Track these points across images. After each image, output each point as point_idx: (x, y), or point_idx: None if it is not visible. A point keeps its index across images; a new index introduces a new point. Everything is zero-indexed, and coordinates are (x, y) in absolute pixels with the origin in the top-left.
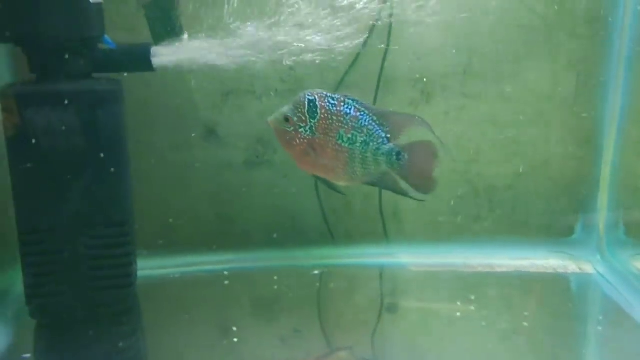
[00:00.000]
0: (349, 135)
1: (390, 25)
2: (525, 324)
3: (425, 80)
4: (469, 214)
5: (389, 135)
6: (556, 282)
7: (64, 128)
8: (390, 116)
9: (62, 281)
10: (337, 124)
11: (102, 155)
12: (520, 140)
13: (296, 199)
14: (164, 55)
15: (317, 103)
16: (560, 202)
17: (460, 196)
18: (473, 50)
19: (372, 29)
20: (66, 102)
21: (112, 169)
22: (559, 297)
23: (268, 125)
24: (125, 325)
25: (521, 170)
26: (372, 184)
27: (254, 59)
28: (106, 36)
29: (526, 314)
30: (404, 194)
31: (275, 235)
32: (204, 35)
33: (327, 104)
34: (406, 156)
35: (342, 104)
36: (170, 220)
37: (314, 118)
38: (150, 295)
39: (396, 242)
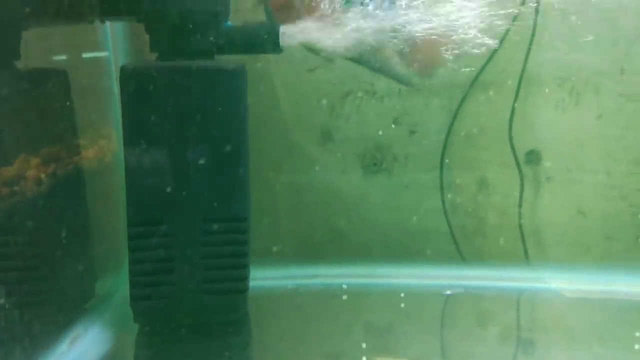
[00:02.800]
0: None
1: (536, 14)
2: None
3: (574, 78)
4: (626, 235)
5: None
6: None
7: (184, 109)
8: None
9: (171, 281)
10: None
11: (224, 141)
12: None
13: (419, 211)
14: (292, 35)
15: None
16: None
17: (615, 214)
18: (632, 43)
19: (514, 19)
20: (189, 80)
21: (234, 158)
22: None
23: None
24: (236, 337)
25: None
26: (368, 66)
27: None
28: (229, 22)
29: None
30: (402, 82)
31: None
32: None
33: None
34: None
35: None
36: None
37: None
38: (258, 307)
39: (539, 265)
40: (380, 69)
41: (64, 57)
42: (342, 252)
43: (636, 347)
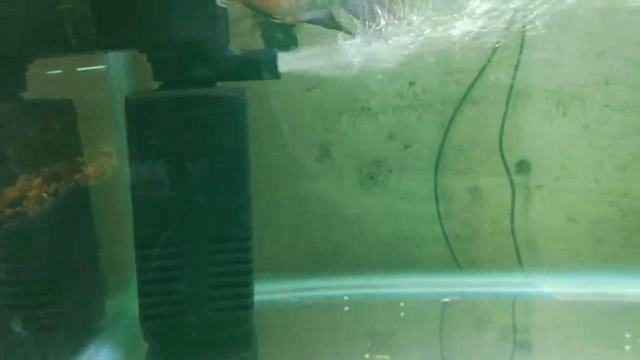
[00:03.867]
0: None
1: (523, 32)
2: None
3: (561, 91)
4: (615, 239)
5: None
6: None
7: (187, 136)
8: None
9: (179, 301)
10: None
11: (226, 165)
12: None
13: (415, 222)
14: (290, 61)
15: None
16: None
17: (604, 219)
18: (615, 56)
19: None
20: (192, 108)
21: (236, 180)
22: None
23: None
24: (243, 351)
25: None
26: (321, 23)
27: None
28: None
29: None
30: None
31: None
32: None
33: None
34: None
35: None
36: (282, 243)
37: None
38: (262, 320)
39: (532, 271)
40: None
41: (65, 77)
42: (342, 264)
43: (627, 347)
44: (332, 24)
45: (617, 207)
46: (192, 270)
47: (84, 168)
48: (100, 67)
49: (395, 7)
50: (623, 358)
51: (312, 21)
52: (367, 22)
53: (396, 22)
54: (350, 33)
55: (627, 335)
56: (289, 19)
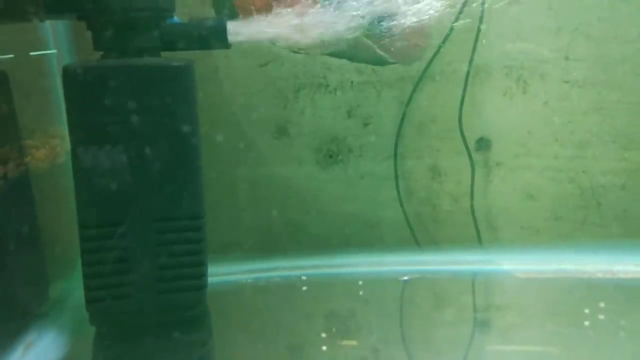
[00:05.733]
0: None
1: (482, 6)
2: None
3: (521, 67)
4: (573, 216)
5: None
6: None
7: (131, 108)
8: None
9: (126, 282)
10: None
11: (173, 139)
12: (632, 132)
13: (374, 201)
14: (240, 30)
15: None
16: None
17: (563, 196)
18: (575, 31)
19: (461, 10)
20: (135, 78)
21: (185, 156)
22: None
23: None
24: (196, 334)
25: (635, 167)
26: (345, 57)
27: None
28: (175, 17)
29: None
30: (383, 63)
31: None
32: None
33: None
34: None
35: None
36: (238, 223)
37: None
38: (217, 302)
39: (492, 248)
40: (355, 57)
41: (2, 56)
42: (300, 244)
43: (586, 323)
44: (357, 56)
45: (576, 184)
46: (139, 250)
47: (34, 151)
48: (44, 52)
49: None
50: (582, 334)
51: (337, 54)
52: None
53: None
54: (383, 63)
55: (586, 311)
56: (313, 52)
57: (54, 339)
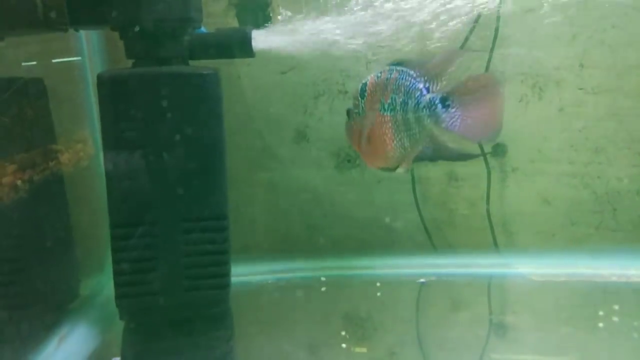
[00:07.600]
0: (389, 101)
1: (498, 15)
2: None
3: (536, 74)
4: (588, 221)
5: (427, 85)
6: None
7: (160, 114)
8: (428, 62)
9: (154, 279)
10: (379, 94)
11: (200, 143)
12: None
13: (392, 205)
14: (264, 39)
15: (367, 81)
16: None
17: (579, 201)
18: (590, 39)
19: (476, 19)
20: (164, 85)
21: (211, 159)
22: None
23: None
24: (219, 331)
25: None
26: (426, 159)
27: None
28: (203, 27)
29: None
30: (465, 157)
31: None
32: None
33: (375, 77)
34: (454, 100)
35: (387, 72)
36: (258, 226)
37: (363, 97)
38: (239, 301)
39: (507, 252)
40: (438, 155)
41: (38, 63)
42: (319, 246)
43: (600, 325)
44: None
45: (592, 190)
46: (166, 249)
47: (60, 155)
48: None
49: None
50: (596, 336)
51: (421, 158)
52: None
53: None
54: (465, 158)
55: (600, 314)
56: (401, 170)
57: (85, 332)
